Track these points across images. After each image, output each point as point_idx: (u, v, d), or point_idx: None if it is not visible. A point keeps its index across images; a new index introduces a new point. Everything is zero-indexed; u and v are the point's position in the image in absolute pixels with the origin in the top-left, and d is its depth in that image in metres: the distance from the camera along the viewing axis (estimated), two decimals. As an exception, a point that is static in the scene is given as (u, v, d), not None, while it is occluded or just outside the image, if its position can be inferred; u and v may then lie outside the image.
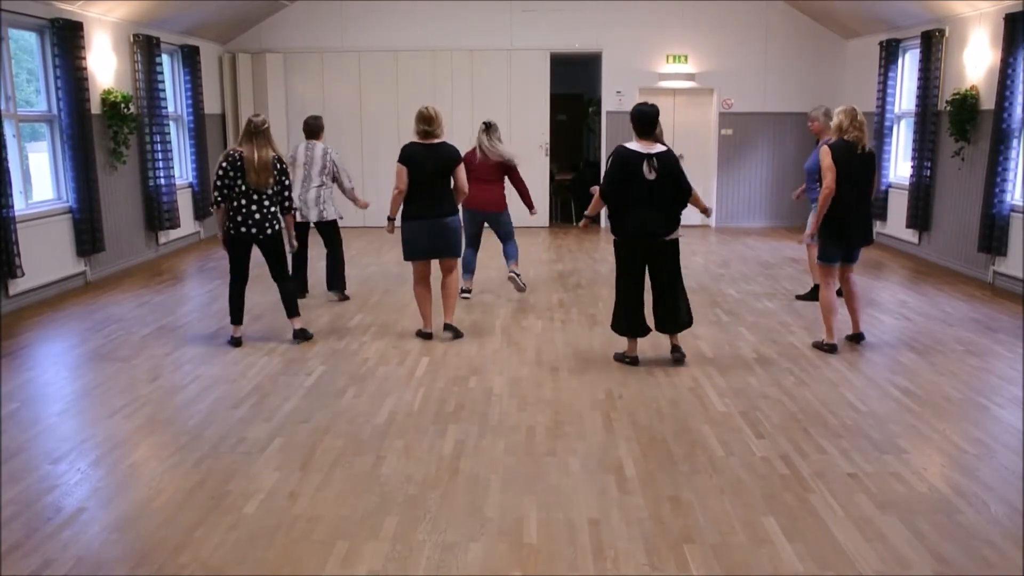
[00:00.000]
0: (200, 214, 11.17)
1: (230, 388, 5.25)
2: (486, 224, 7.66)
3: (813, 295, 7.31)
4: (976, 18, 8.62)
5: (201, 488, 3.86)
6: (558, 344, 6.21)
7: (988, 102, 8.29)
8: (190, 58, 10.83)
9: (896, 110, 10.51)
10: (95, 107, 8.56)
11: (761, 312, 7.15)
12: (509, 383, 5.33)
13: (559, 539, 3.39)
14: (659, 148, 5.51)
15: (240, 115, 12.07)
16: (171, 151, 10.09)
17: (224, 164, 5.94)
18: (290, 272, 6.60)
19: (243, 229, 6.00)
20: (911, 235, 9.97)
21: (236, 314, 6.23)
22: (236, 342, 6.23)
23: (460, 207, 6.45)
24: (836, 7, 10.98)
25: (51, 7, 7.83)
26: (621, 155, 5.48)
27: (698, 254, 10.11)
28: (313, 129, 7.54)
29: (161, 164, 9.80)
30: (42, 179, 8.34)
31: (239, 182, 5.94)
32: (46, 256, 7.77)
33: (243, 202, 5.98)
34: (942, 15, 9.17)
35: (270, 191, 6.03)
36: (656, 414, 4.78)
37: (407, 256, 6.21)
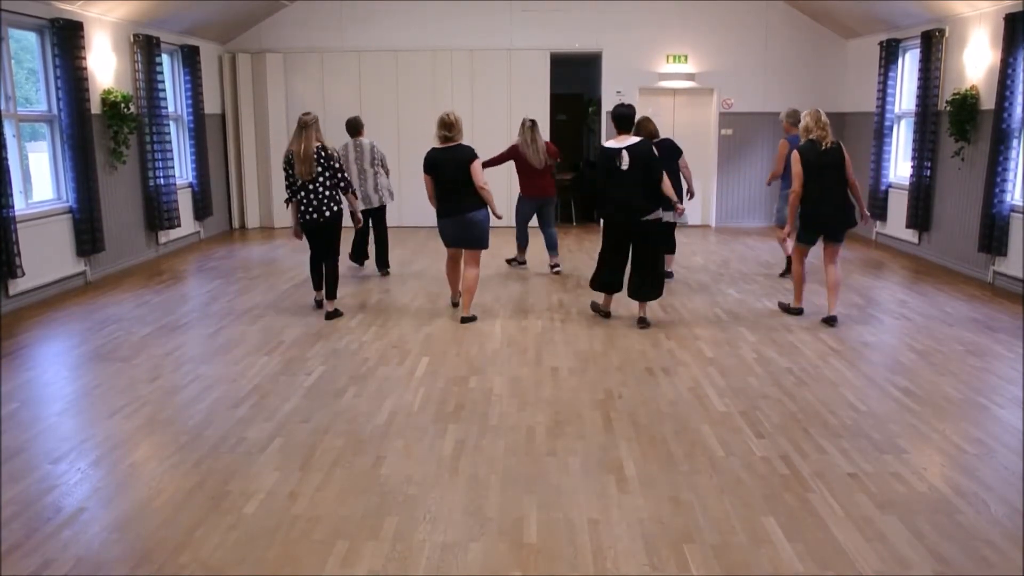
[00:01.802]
0: (200, 214, 11.17)
1: (230, 388, 5.25)
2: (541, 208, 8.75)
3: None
4: (976, 18, 8.62)
5: (201, 488, 3.86)
6: (558, 344, 6.21)
7: (988, 102, 8.29)
8: (190, 58, 10.83)
9: (896, 110, 10.51)
10: (95, 107, 8.57)
11: (761, 312, 7.15)
12: (509, 383, 5.33)
13: (559, 539, 3.39)
14: (632, 141, 6.38)
15: (240, 115, 12.08)
16: (171, 151, 10.09)
17: (285, 166, 6.79)
18: (351, 248, 7.84)
19: (307, 217, 6.78)
20: (911, 235, 9.97)
21: (317, 281, 7.22)
22: (320, 303, 7.22)
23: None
24: (836, 7, 10.98)
25: (51, 7, 7.83)
26: (602, 152, 6.53)
27: (698, 254, 10.11)
28: (355, 128, 8.58)
29: (161, 164, 9.80)
30: (42, 179, 8.33)
31: (295, 176, 6.72)
32: (46, 256, 7.77)
33: (302, 194, 6.75)
34: (942, 15, 9.17)
35: (320, 178, 6.70)
36: (656, 414, 4.78)
37: (445, 244, 6.98)
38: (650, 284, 6.53)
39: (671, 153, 7.91)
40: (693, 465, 4.09)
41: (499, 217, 6.95)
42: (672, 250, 8.31)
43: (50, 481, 3.94)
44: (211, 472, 4.03)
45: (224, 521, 3.54)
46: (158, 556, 3.27)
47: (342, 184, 6.81)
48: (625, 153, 6.30)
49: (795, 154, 6.52)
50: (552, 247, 8.89)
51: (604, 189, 6.44)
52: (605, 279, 6.72)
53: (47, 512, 3.63)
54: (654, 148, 6.51)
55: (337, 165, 6.78)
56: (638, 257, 6.53)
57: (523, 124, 8.56)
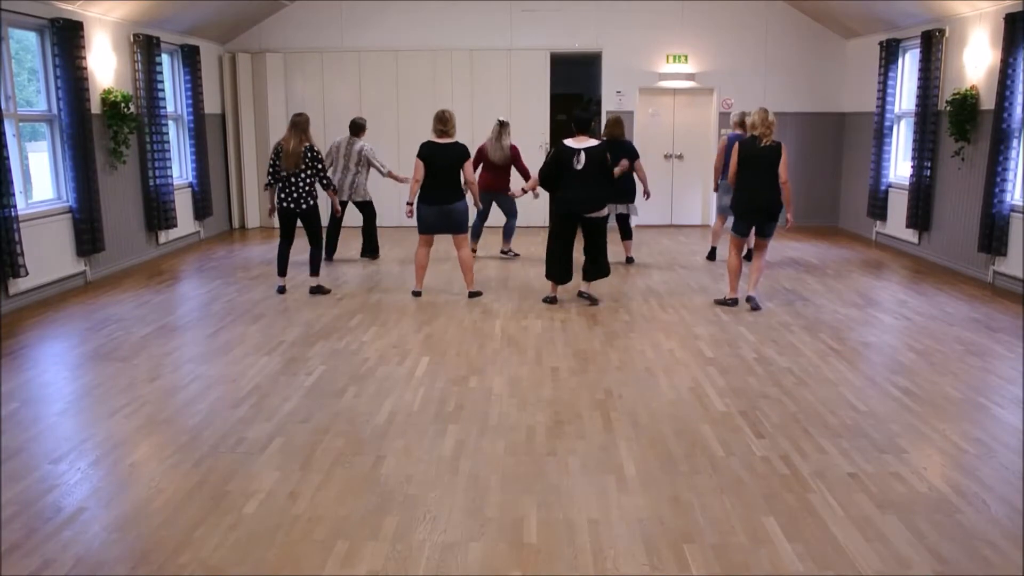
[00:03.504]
0: (200, 214, 11.17)
1: (230, 388, 5.25)
2: (494, 202, 9.42)
3: (712, 255, 9.57)
4: (976, 18, 8.62)
5: (201, 488, 3.86)
6: (558, 344, 6.21)
7: (988, 102, 8.29)
8: (190, 58, 10.83)
9: (896, 110, 10.51)
10: (95, 107, 8.56)
11: (761, 312, 7.14)
12: (509, 383, 5.33)
13: (559, 539, 3.39)
14: (590, 143, 6.97)
15: (240, 115, 12.09)
16: (170, 151, 10.09)
17: (272, 155, 7.64)
18: (324, 239, 8.28)
19: (285, 204, 7.57)
20: (911, 235, 9.97)
21: (281, 267, 7.87)
22: (281, 290, 7.85)
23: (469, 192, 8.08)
24: (836, 7, 10.98)
25: (51, 7, 7.83)
26: (559, 149, 7.06)
27: (698, 254, 10.11)
28: (354, 128, 9.34)
29: (161, 164, 9.79)
30: (42, 179, 8.33)
31: (280, 167, 7.50)
32: (46, 256, 7.77)
33: (283, 184, 7.55)
34: (942, 15, 9.17)
35: (303, 174, 7.47)
36: (656, 414, 4.78)
37: (419, 231, 7.59)
38: (599, 266, 7.26)
39: (629, 154, 8.82)
40: (693, 465, 4.09)
41: (477, 207, 7.94)
42: (630, 236, 9.43)
43: (50, 481, 3.94)
44: (211, 472, 4.03)
45: (224, 521, 3.54)
46: (158, 556, 3.27)
47: (323, 181, 7.62)
48: (583, 154, 6.89)
49: (736, 144, 7.17)
50: (505, 235, 9.82)
51: (558, 185, 7.05)
52: (555, 271, 7.32)
53: (47, 512, 3.63)
54: (607, 153, 7.08)
55: (320, 165, 7.56)
56: (588, 247, 7.19)
57: (495, 123, 9.28)
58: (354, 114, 10.01)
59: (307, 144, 7.47)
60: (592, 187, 6.94)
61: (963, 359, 5.80)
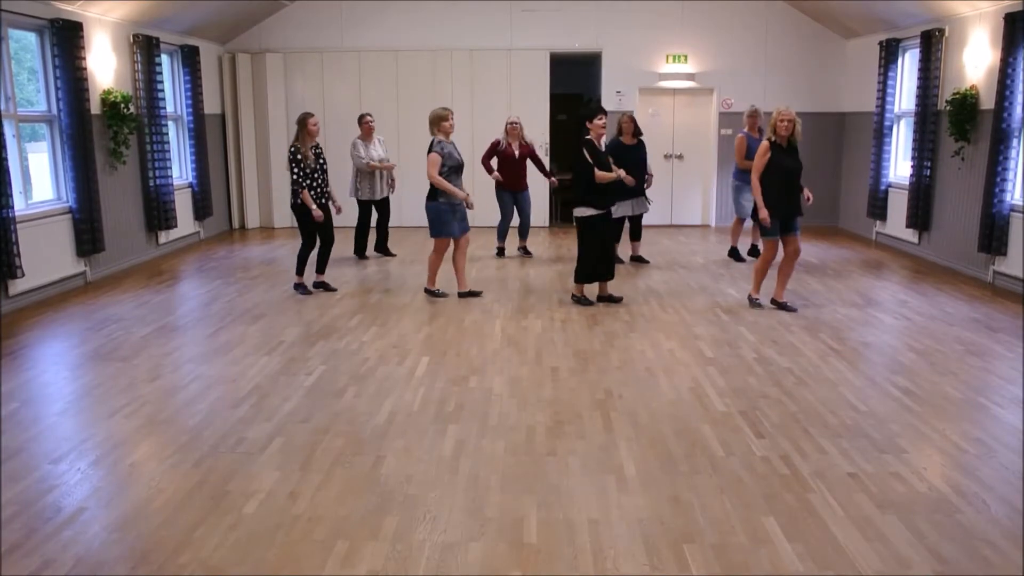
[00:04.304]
0: (200, 214, 11.17)
1: (230, 388, 5.25)
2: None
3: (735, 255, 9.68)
4: (976, 18, 8.62)
5: (201, 488, 3.86)
6: (558, 344, 6.21)
7: (988, 102, 8.29)
8: (190, 58, 10.83)
9: (896, 110, 10.51)
10: (95, 107, 8.56)
11: (761, 312, 7.14)
12: (509, 383, 5.33)
13: (559, 539, 3.39)
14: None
15: (240, 115, 12.09)
16: (170, 151, 10.09)
17: None
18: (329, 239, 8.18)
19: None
20: (911, 235, 9.97)
21: (320, 266, 8.02)
22: (322, 286, 8.01)
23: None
24: (836, 7, 10.98)
25: (51, 7, 7.83)
26: None
27: (698, 254, 10.11)
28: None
29: (160, 164, 9.79)
30: (42, 179, 8.33)
31: None
32: (46, 256, 7.77)
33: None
34: (942, 15, 9.17)
35: (291, 174, 7.68)
36: (656, 414, 4.78)
37: None
38: (576, 269, 7.36)
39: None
40: (693, 465, 4.09)
41: (470, 207, 7.50)
42: (617, 241, 8.81)
43: (50, 481, 3.94)
44: (211, 472, 4.03)
45: (224, 521, 3.54)
46: (158, 556, 3.27)
47: (295, 185, 7.61)
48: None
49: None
50: (498, 234, 10.04)
51: None
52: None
53: (47, 512, 3.63)
54: (584, 151, 7.06)
55: (294, 166, 7.56)
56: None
57: None
58: (355, 114, 10.03)
59: (293, 146, 7.61)
60: (577, 186, 7.19)
61: (963, 359, 5.80)
